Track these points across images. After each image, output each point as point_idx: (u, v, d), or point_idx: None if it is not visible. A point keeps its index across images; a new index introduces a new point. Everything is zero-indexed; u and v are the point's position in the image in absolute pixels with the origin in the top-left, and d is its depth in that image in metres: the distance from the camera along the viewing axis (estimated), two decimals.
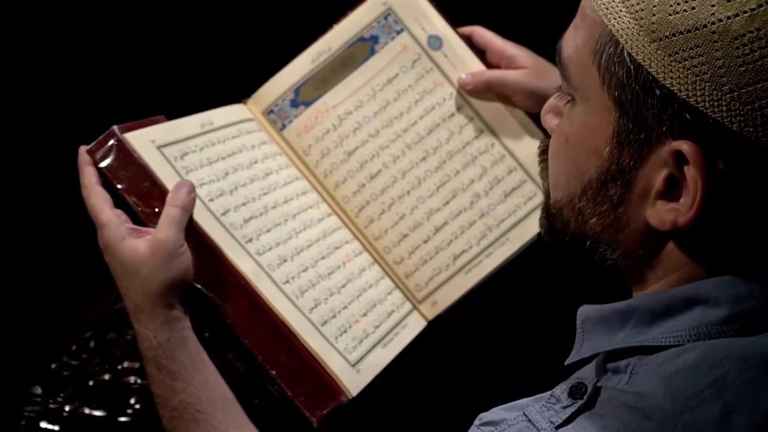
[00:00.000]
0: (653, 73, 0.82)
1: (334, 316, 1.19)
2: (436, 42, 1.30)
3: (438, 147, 1.29)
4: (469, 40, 1.31)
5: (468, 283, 1.28)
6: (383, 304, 1.24)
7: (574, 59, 0.89)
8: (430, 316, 1.28)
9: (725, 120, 0.81)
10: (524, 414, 0.87)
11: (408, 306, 1.27)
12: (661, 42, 0.82)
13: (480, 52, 1.31)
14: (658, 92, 0.82)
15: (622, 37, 0.84)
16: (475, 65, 1.29)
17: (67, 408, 1.40)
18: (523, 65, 1.27)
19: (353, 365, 1.18)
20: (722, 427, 0.81)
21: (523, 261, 1.29)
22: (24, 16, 1.43)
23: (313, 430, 1.14)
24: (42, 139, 1.43)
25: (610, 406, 0.84)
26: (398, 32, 1.29)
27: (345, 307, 1.21)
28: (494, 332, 1.50)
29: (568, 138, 0.91)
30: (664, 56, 0.82)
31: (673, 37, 0.82)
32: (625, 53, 0.83)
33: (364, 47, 1.29)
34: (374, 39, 1.29)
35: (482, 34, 1.31)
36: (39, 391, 1.41)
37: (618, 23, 0.84)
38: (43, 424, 1.40)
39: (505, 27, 1.31)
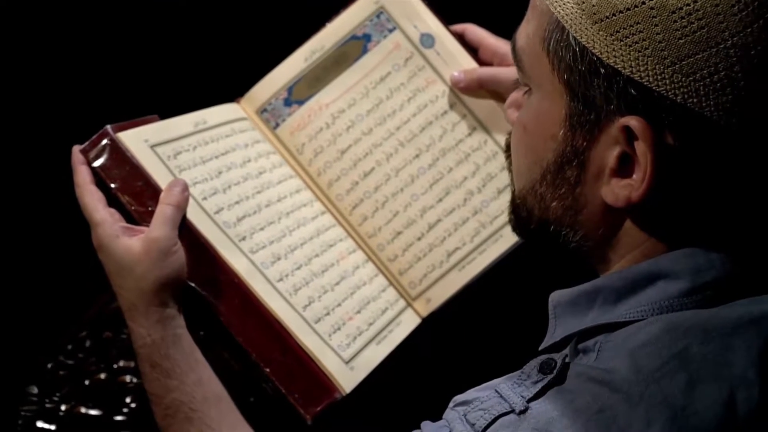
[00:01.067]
0: (597, 54, 0.85)
1: (328, 314, 1.20)
2: (428, 40, 1.30)
3: (431, 144, 1.29)
4: (461, 38, 1.31)
5: (462, 280, 1.28)
6: (377, 301, 1.25)
7: (526, 49, 0.92)
8: (424, 313, 1.28)
9: (669, 93, 0.83)
10: (496, 391, 0.90)
11: (402, 303, 1.27)
12: (603, 23, 0.85)
13: (472, 49, 1.31)
14: (603, 71, 0.85)
15: (566, 22, 0.86)
16: (468, 63, 1.30)
17: (63, 407, 1.40)
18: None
19: (347, 362, 1.19)
20: (689, 397, 0.83)
21: (517, 258, 1.30)
22: (18, 16, 1.43)
23: (307, 427, 1.15)
24: (35, 138, 1.43)
25: (579, 381, 0.86)
26: (391, 30, 1.30)
27: (339, 305, 1.21)
28: (489, 330, 1.50)
29: (526, 126, 0.94)
30: (606, 36, 0.84)
31: (614, 17, 0.84)
32: (571, 37, 0.86)
33: (356, 45, 1.30)
34: (367, 37, 1.30)
35: (474, 31, 1.31)
36: (35, 390, 1.41)
37: (563, 9, 0.87)
38: (40, 424, 1.40)
39: (497, 25, 1.32)
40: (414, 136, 1.29)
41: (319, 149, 1.29)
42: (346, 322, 1.21)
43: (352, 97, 1.29)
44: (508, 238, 1.28)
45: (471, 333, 1.48)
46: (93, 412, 1.40)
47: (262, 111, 1.29)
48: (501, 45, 1.29)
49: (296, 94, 1.29)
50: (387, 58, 1.30)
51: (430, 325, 1.28)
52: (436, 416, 0.96)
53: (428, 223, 1.28)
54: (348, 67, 1.29)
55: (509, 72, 1.27)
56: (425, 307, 1.28)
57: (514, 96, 1.01)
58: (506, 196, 1.27)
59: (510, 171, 1.01)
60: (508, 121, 1.02)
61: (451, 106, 1.30)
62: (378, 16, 1.30)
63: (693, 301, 0.87)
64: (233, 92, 1.30)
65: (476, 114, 1.29)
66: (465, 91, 1.29)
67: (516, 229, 1.00)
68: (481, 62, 1.30)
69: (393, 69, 1.30)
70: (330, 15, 1.30)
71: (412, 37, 1.30)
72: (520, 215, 0.97)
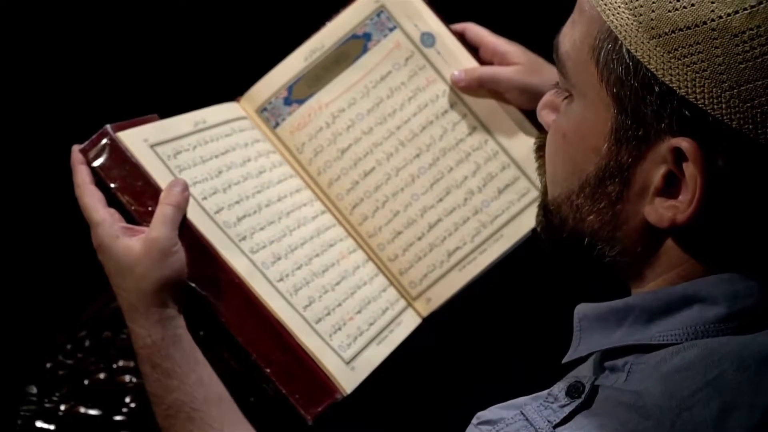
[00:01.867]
0: (652, 70, 0.82)
1: (329, 314, 1.20)
2: (428, 39, 1.30)
3: (431, 144, 1.29)
4: (462, 37, 1.31)
5: (462, 280, 1.28)
6: (377, 301, 1.24)
7: (572, 55, 0.88)
8: (425, 313, 1.28)
9: (725, 117, 0.81)
10: (522, 413, 0.87)
11: (402, 303, 1.27)
12: (661, 39, 0.82)
13: (473, 48, 1.31)
14: (657, 89, 0.82)
15: (620, 33, 0.83)
16: (468, 62, 1.29)
17: (62, 407, 1.40)
18: (515, 62, 1.27)
19: (348, 363, 1.18)
20: (720, 425, 0.81)
21: (518, 258, 1.29)
22: (17, 15, 1.43)
23: (308, 427, 1.15)
24: (35, 138, 1.43)
25: (608, 405, 0.84)
26: (391, 29, 1.29)
27: (339, 305, 1.21)
28: (490, 329, 1.50)
29: (565, 134, 0.91)
30: (664, 53, 0.82)
31: (673, 34, 0.81)
32: (624, 50, 0.83)
33: (357, 45, 1.29)
34: (367, 36, 1.29)
35: (475, 30, 1.31)
36: (34, 390, 1.41)
37: (617, 19, 0.83)
38: (39, 424, 1.40)
39: (497, 24, 1.31)
40: (414, 136, 1.29)
41: (320, 148, 1.29)
42: (347, 322, 1.21)
43: (352, 97, 1.29)
44: (509, 238, 1.28)
45: (471, 333, 1.48)
46: (92, 411, 1.40)
47: (262, 110, 1.29)
48: (502, 44, 1.28)
49: (296, 93, 1.29)
50: (387, 57, 1.29)
51: (430, 325, 1.28)
52: (438, 417, 0.96)
53: (429, 223, 1.28)
54: (348, 66, 1.29)
55: (510, 71, 1.27)
56: (426, 307, 1.28)
57: (549, 98, 0.97)
58: (507, 196, 1.28)
59: (541, 173, 0.98)
60: (541, 122, 0.98)
61: (452, 105, 1.29)
62: (378, 15, 1.29)
63: (729, 327, 0.85)
64: (233, 91, 1.30)
65: (477, 113, 1.29)
66: (465, 90, 1.28)
67: (545, 232, 0.96)
68: (482, 61, 1.30)
69: (393, 68, 1.29)
70: (330, 14, 1.29)
71: (412, 36, 1.30)
72: (551, 222, 0.94)
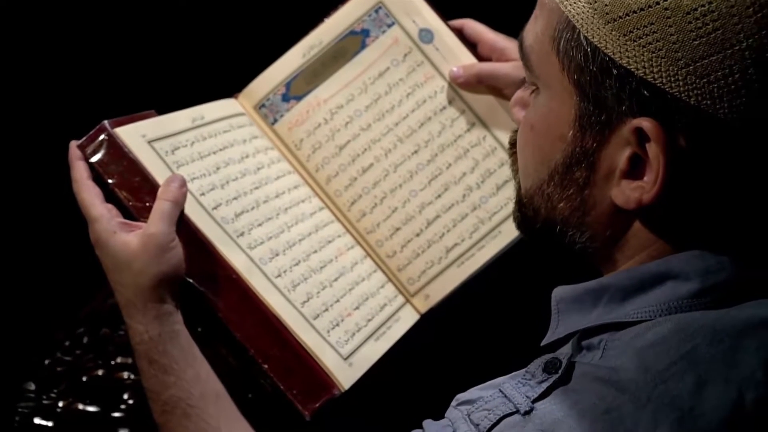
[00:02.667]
0: (609, 54, 0.84)
1: (327, 310, 1.19)
2: (427, 35, 1.30)
3: (430, 140, 1.29)
4: (460, 33, 1.31)
5: (461, 276, 1.28)
6: (376, 297, 1.24)
7: (534, 48, 0.91)
8: (423, 309, 1.28)
9: (683, 94, 0.83)
10: (500, 390, 0.89)
11: (400, 299, 1.27)
12: (615, 23, 0.84)
13: (471, 45, 1.30)
14: (615, 72, 0.84)
15: (577, 21, 0.85)
16: (467, 58, 1.29)
17: (60, 404, 1.40)
18: (514, 58, 1.26)
19: (345, 359, 1.18)
20: (696, 398, 0.82)
21: (516, 254, 1.29)
22: (15, 12, 1.43)
23: (305, 423, 1.14)
24: (32, 134, 1.43)
25: (585, 380, 0.86)
26: (389, 26, 1.29)
27: (337, 301, 1.21)
28: (488, 326, 1.50)
29: (533, 126, 0.93)
30: (619, 36, 0.84)
31: (627, 17, 0.83)
32: (582, 37, 0.85)
33: (355, 41, 1.29)
34: (365, 32, 1.29)
35: (473, 26, 1.31)
36: (33, 387, 1.41)
37: (573, 8, 0.86)
38: (37, 420, 1.40)
39: (496, 20, 1.31)
40: (413, 132, 1.29)
41: (318, 145, 1.28)
42: (345, 318, 1.20)
43: (350, 93, 1.29)
44: (507, 234, 1.28)
45: (469, 329, 1.48)
46: (90, 408, 1.40)
47: (260, 106, 1.29)
48: (500, 40, 1.28)
49: (294, 90, 1.29)
50: (385, 53, 1.29)
51: (428, 321, 1.28)
52: (436, 413, 0.96)
53: (427, 219, 1.28)
54: (346, 63, 1.29)
55: (508, 68, 1.27)
56: (424, 303, 1.28)
57: (520, 94, 1.00)
58: (505, 192, 1.28)
59: (514, 170, 1.00)
60: (513, 120, 1.01)
61: (450, 101, 1.29)
62: (376, 11, 1.29)
63: (702, 302, 0.87)
64: (231, 87, 1.30)
65: (475, 110, 1.29)
66: (464, 86, 1.28)
67: (521, 227, 0.99)
68: (480, 57, 1.30)
69: (392, 64, 1.29)
70: (328, 10, 1.29)
71: (410, 32, 1.29)
72: (525, 214, 0.96)
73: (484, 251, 1.28)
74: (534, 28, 0.91)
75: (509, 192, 1.28)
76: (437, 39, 1.29)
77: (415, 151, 1.29)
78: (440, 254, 1.28)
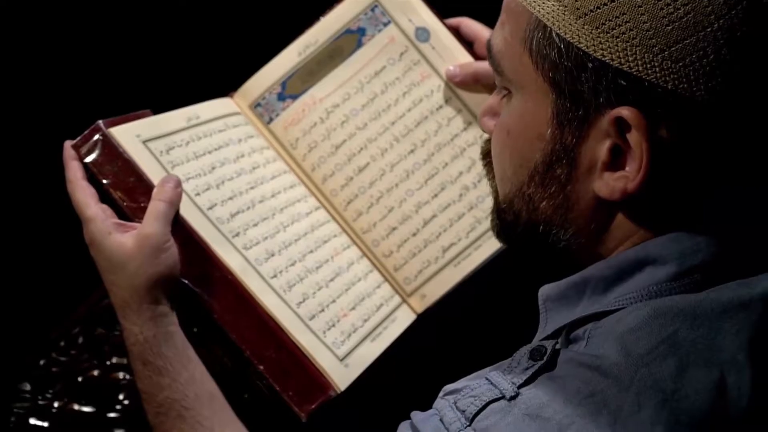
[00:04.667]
0: (583, 48, 0.85)
1: (323, 311, 1.19)
2: (423, 34, 1.29)
3: (426, 139, 1.28)
4: (456, 32, 1.31)
5: (457, 276, 1.28)
6: (372, 297, 1.24)
7: (505, 52, 0.91)
8: (420, 309, 1.28)
9: (660, 80, 0.84)
10: (486, 378, 0.90)
11: (397, 299, 1.26)
12: (587, 17, 0.85)
13: (468, 43, 1.30)
14: (590, 65, 0.85)
15: (548, 20, 0.86)
16: (463, 57, 1.29)
17: (56, 404, 1.40)
18: None
19: (341, 360, 1.18)
20: (678, 381, 0.83)
21: (513, 254, 1.29)
22: (10, 12, 1.42)
23: (301, 425, 1.14)
24: (27, 133, 1.43)
25: (569, 366, 0.87)
26: (385, 24, 1.29)
27: (333, 301, 1.20)
28: (485, 326, 1.49)
29: (509, 130, 0.93)
30: (592, 29, 0.84)
31: (598, 10, 0.84)
32: (554, 34, 0.86)
33: (351, 39, 1.29)
34: (361, 31, 1.29)
35: (470, 25, 1.31)
36: (28, 387, 1.40)
37: (542, 8, 0.86)
38: (33, 421, 1.40)
39: (492, 18, 1.31)
40: (409, 131, 1.28)
41: (314, 144, 1.28)
42: (341, 318, 1.20)
43: (346, 92, 1.28)
44: None
45: (466, 329, 1.48)
46: (86, 409, 1.39)
47: (255, 105, 1.29)
48: None
49: (290, 89, 1.28)
50: (382, 52, 1.29)
51: (425, 321, 1.28)
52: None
53: (423, 219, 1.28)
54: (342, 62, 1.29)
55: None
56: (420, 304, 1.27)
57: (489, 103, 1.01)
58: None
59: (490, 178, 1.01)
60: (483, 130, 1.01)
61: (447, 100, 1.29)
62: (372, 10, 1.29)
63: (681, 285, 0.88)
64: (226, 87, 1.29)
65: (472, 109, 1.29)
66: (460, 85, 1.28)
67: (500, 234, 1.00)
68: (477, 56, 1.29)
69: (388, 63, 1.29)
70: (324, 8, 1.29)
71: (407, 30, 1.29)
72: (505, 220, 0.97)
73: (480, 251, 1.28)
74: (502, 33, 0.92)
75: None
76: (434, 38, 1.29)
77: (412, 151, 1.28)
78: (437, 254, 1.27)
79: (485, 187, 1.28)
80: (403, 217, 1.28)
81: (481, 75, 1.26)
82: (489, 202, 1.26)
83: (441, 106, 1.29)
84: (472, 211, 1.28)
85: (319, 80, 1.28)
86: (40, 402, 1.40)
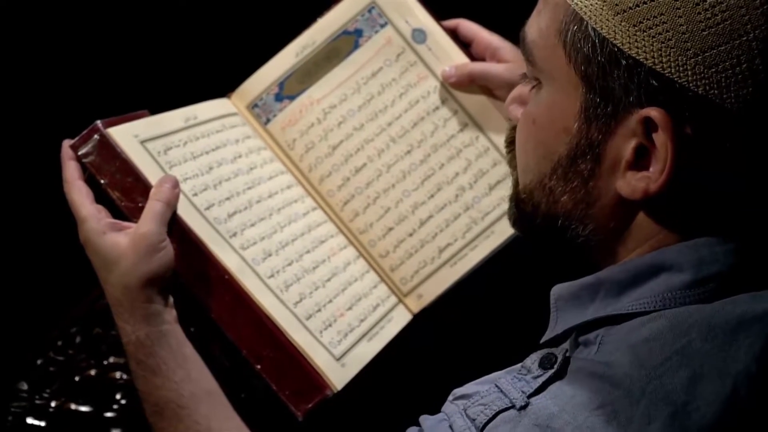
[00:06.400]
0: (618, 45, 0.85)
1: (319, 310, 1.19)
2: (420, 35, 1.30)
3: (422, 140, 1.29)
4: (453, 33, 1.31)
5: (453, 276, 1.28)
6: (368, 297, 1.24)
7: (539, 42, 0.91)
8: (416, 309, 1.28)
9: (691, 84, 0.84)
10: (496, 386, 0.89)
11: (393, 299, 1.27)
12: (625, 14, 0.84)
13: (465, 44, 1.31)
14: (624, 62, 0.85)
15: (585, 14, 0.86)
16: (460, 58, 1.29)
17: (53, 403, 1.40)
18: (507, 58, 1.27)
19: (338, 359, 1.18)
20: (690, 393, 0.82)
21: (510, 254, 1.29)
22: (8, 12, 1.42)
23: (298, 424, 1.14)
24: (25, 133, 1.43)
25: (580, 375, 0.86)
26: (382, 26, 1.29)
27: (330, 301, 1.21)
28: (481, 326, 1.50)
29: (535, 120, 0.93)
30: (629, 27, 0.84)
31: (637, 8, 0.84)
32: (590, 28, 0.86)
33: (348, 41, 1.29)
34: (358, 32, 1.29)
35: (467, 26, 1.31)
36: (25, 386, 1.40)
37: (581, 1, 0.86)
38: (30, 420, 1.40)
39: (489, 20, 1.31)
40: (406, 132, 1.29)
41: (311, 145, 1.28)
42: (338, 318, 1.20)
43: (343, 93, 1.29)
44: (500, 234, 1.28)
45: (463, 329, 1.48)
46: (83, 408, 1.39)
47: (253, 106, 1.29)
48: (494, 40, 1.28)
49: (287, 90, 1.29)
50: (378, 53, 1.29)
51: (421, 321, 1.28)
52: (428, 412, 0.96)
53: (420, 219, 1.28)
54: (339, 63, 1.29)
55: (501, 68, 1.27)
56: (417, 303, 1.28)
57: (518, 92, 1.00)
58: (498, 192, 1.28)
59: (512, 167, 1.00)
60: (510, 117, 1.00)
61: (443, 101, 1.29)
62: (369, 11, 1.29)
63: (695, 294, 0.87)
64: (224, 87, 1.29)
65: (468, 110, 1.29)
66: (456, 86, 1.28)
67: (518, 224, 0.99)
68: (474, 57, 1.30)
69: (385, 64, 1.29)
70: (321, 10, 1.29)
71: (403, 32, 1.29)
72: (524, 210, 0.96)
73: (476, 251, 1.28)
74: (537, 23, 0.91)
75: (502, 192, 1.28)
76: (430, 39, 1.29)
77: (408, 151, 1.29)
78: (433, 254, 1.28)
79: (481, 187, 1.29)
80: (399, 218, 1.28)
81: (477, 76, 1.27)
82: (485, 203, 1.28)
83: (437, 108, 1.29)
84: (468, 212, 1.28)
85: (316, 81, 1.29)
86: (38, 401, 1.40)
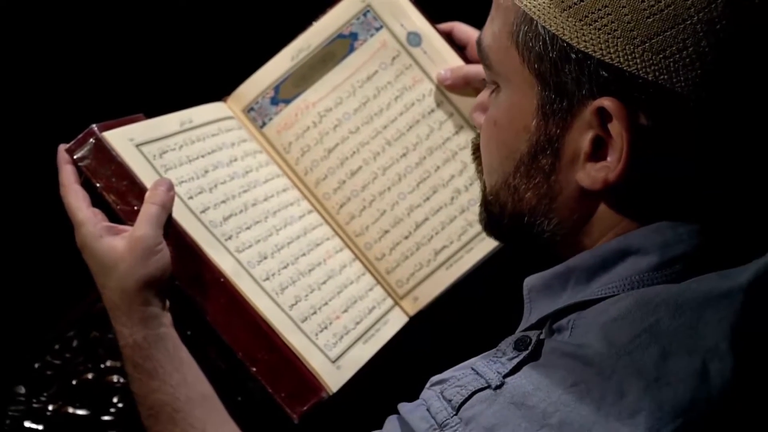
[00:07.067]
0: (567, 40, 0.86)
1: (315, 313, 1.20)
2: (415, 38, 1.30)
3: (418, 143, 1.29)
4: (449, 36, 1.31)
5: (449, 279, 1.28)
6: (364, 300, 1.25)
7: (493, 46, 0.93)
8: (412, 311, 1.28)
9: (641, 71, 0.85)
10: (472, 368, 0.91)
11: (389, 302, 1.27)
12: (571, 9, 0.86)
13: (460, 48, 1.31)
14: (573, 57, 0.86)
15: (534, 13, 0.88)
16: (455, 61, 1.30)
17: (50, 407, 1.40)
18: None
19: (334, 361, 1.18)
20: (661, 369, 0.84)
21: (505, 256, 1.30)
22: (3, 16, 1.43)
23: (294, 426, 1.15)
24: (20, 137, 1.43)
25: (553, 356, 0.88)
26: (377, 29, 1.30)
27: (326, 304, 1.21)
28: (477, 328, 1.49)
29: (496, 122, 0.95)
30: (575, 21, 0.86)
31: (581, 3, 0.86)
32: (539, 27, 0.88)
33: (343, 44, 1.30)
34: (353, 36, 1.30)
35: (462, 29, 1.32)
36: (22, 390, 1.41)
37: (529, 2, 0.88)
38: (27, 424, 1.40)
39: (483, 23, 1.31)
40: (401, 135, 1.29)
41: (306, 148, 1.29)
42: (333, 321, 1.21)
43: (338, 96, 1.29)
44: None
45: (458, 331, 1.48)
46: (80, 411, 1.40)
47: (248, 110, 1.29)
48: None
49: (283, 93, 1.29)
50: (374, 56, 1.30)
51: (417, 323, 1.28)
52: None
53: (415, 222, 1.28)
54: (335, 66, 1.29)
55: None
56: (413, 306, 1.28)
57: (480, 98, 1.03)
58: None
59: (479, 172, 1.02)
60: (475, 125, 1.03)
61: (438, 104, 1.30)
62: (365, 15, 1.29)
63: (663, 275, 0.89)
64: (220, 91, 1.30)
65: (463, 112, 1.29)
66: (451, 88, 1.29)
67: (488, 227, 1.01)
68: (469, 60, 1.30)
69: (380, 67, 1.30)
70: (316, 13, 1.30)
71: (398, 35, 1.30)
72: (492, 212, 0.98)
73: (472, 254, 1.28)
74: (491, 28, 0.94)
75: None
76: (425, 42, 1.30)
77: (404, 154, 1.29)
78: (429, 257, 1.28)
79: (477, 190, 1.28)
80: (395, 220, 1.28)
81: (472, 78, 1.27)
82: None
83: (432, 110, 1.30)
84: (463, 214, 1.28)
85: (311, 84, 1.29)
86: (35, 405, 1.40)
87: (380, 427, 0.99)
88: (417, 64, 1.30)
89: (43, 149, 1.17)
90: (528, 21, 0.88)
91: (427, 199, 1.29)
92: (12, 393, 1.40)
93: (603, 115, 0.87)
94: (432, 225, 1.28)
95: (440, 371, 0.98)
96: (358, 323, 1.22)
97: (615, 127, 0.86)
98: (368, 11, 1.29)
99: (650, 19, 0.84)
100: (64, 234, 1.14)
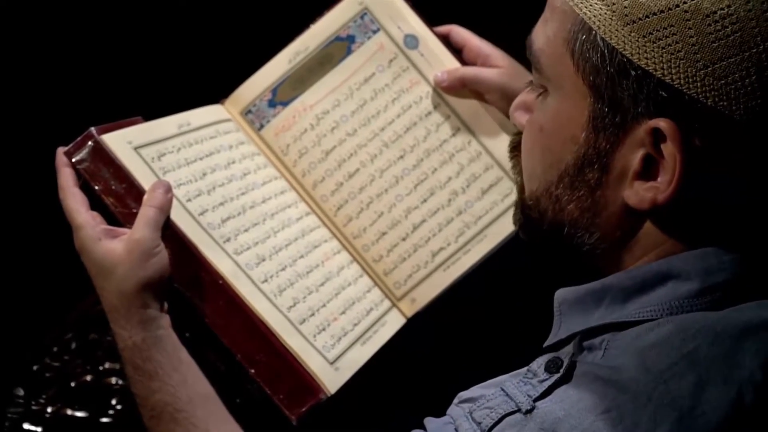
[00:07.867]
0: (628, 55, 0.85)
1: (313, 315, 1.20)
2: (412, 41, 1.30)
3: (415, 145, 1.29)
4: (445, 39, 1.32)
5: (447, 280, 1.28)
6: (362, 302, 1.25)
7: (546, 50, 0.91)
8: (409, 313, 1.28)
9: (700, 95, 0.84)
10: (502, 389, 0.89)
11: (387, 303, 1.27)
12: (635, 24, 0.84)
13: (456, 50, 1.31)
14: (633, 73, 0.85)
15: (594, 23, 0.86)
16: (452, 63, 1.30)
17: (49, 409, 1.40)
18: (498, 64, 1.27)
19: (332, 363, 1.19)
20: (696, 398, 0.83)
21: (502, 258, 1.30)
22: (3, 17, 1.43)
23: (292, 428, 1.15)
24: (19, 139, 1.43)
25: (586, 380, 0.86)
26: (375, 32, 1.30)
27: (323, 306, 1.21)
28: (475, 329, 1.50)
29: (542, 127, 0.93)
30: (638, 38, 0.84)
31: (647, 19, 0.84)
32: (599, 38, 0.86)
33: (340, 47, 1.30)
34: (351, 38, 1.30)
35: (459, 32, 1.32)
36: (21, 392, 1.41)
37: (590, 11, 0.86)
38: (26, 426, 1.40)
39: (481, 26, 1.32)
40: (398, 137, 1.29)
41: (304, 150, 1.29)
42: (331, 322, 1.21)
43: (336, 98, 1.29)
44: (493, 238, 1.29)
45: (456, 333, 1.49)
46: (79, 413, 1.40)
47: (246, 112, 1.29)
48: (485, 46, 1.29)
49: (280, 96, 1.29)
50: (371, 59, 1.30)
51: (415, 325, 1.29)
52: (422, 417, 0.96)
53: (413, 224, 1.28)
54: (332, 69, 1.30)
55: (492, 73, 1.27)
56: (410, 307, 1.28)
57: (522, 98, 1.00)
58: (490, 197, 1.28)
59: (516, 172, 1.00)
60: (515, 124, 1.00)
61: (435, 107, 1.30)
62: (362, 17, 1.30)
63: (702, 302, 0.87)
64: (217, 94, 1.30)
65: (460, 115, 1.30)
66: (448, 90, 1.29)
67: (523, 229, 0.99)
68: (465, 63, 1.30)
69: (377, 70, 1.30)
70: (314, 16, 1.30)
71: (396, 38, 1.30)
72: (530, 217, 0.96)
73: (469, 255, 1.29)
74: (544, 31, 0.91)
75: (494, 196, 1.29)
76: (422, 45, 1.30)
77: (401, 156, 1.29)
78: (426, 258, 1.28)
79: (473, 192, 1.29)
80: (392, 222, 1.28)
81: (468, 80, 1.27)
82: (477, 207, 1.28)
83: (430, 113, 1.30)
84: (460, 216, 1.29)
85: (309, 87, 1.29)
86: (34, 407, 1.41)
87: (380, 427, 0.98)
88: (414, 67, 1.30)
89: (41, 152, 1.17)
90: (586, 30, 0.86)
91: (425, 200, 1.29)
92: (11, 395, 1.41)
93: (657, 135, 0.85)
94: (429, 227, 1.29)
95: (439, 372, 0.98)
96: (356, 325, 1.23)
97: (668, 148, 0.85)
98: (365, 14, 1.30)
99: (716, 44, 0.83)
100: (63, 237, 1.14)
